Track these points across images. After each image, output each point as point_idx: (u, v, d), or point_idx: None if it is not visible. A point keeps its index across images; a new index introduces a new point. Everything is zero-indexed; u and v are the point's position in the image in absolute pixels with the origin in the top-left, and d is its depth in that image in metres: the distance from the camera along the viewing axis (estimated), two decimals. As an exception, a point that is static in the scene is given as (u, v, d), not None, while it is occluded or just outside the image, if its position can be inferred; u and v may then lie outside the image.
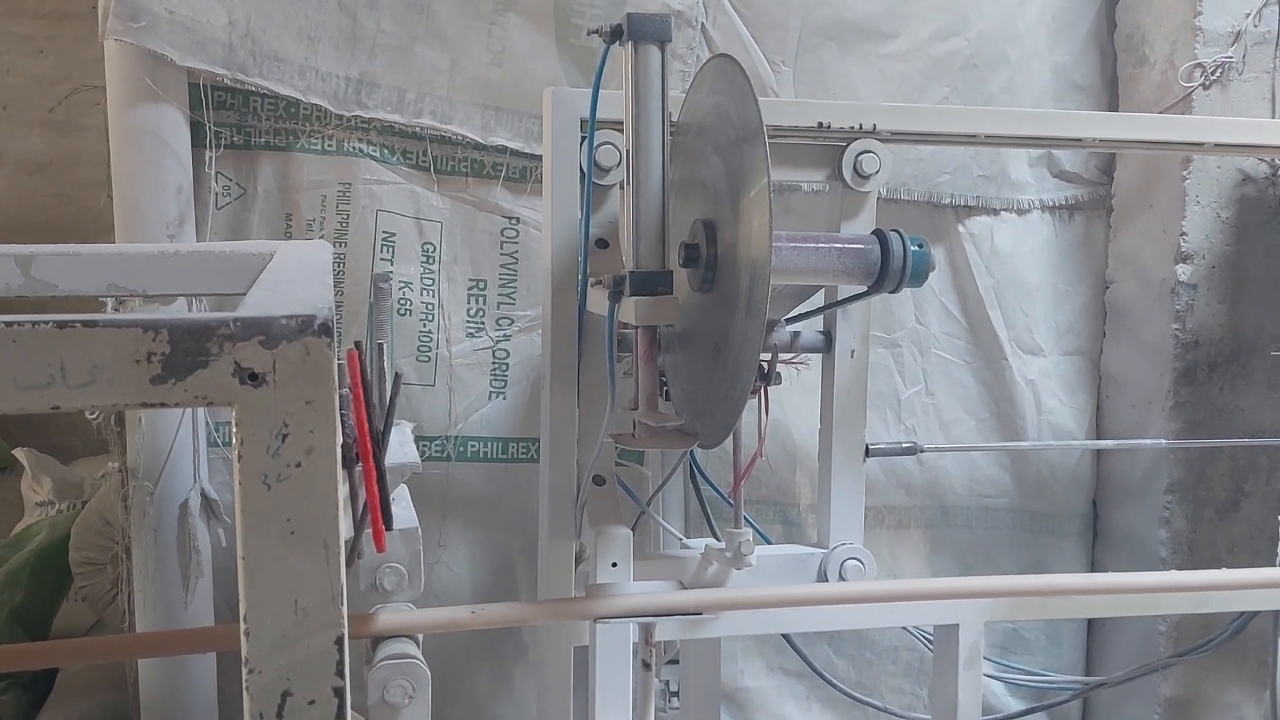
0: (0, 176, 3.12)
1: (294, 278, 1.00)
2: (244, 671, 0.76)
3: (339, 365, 1.00)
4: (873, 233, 1.42)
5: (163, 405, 0.72)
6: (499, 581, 1.79)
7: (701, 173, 1.29)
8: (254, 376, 0.74)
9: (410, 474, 1.11)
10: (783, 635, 1.83)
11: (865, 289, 1.41)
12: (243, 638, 0.75)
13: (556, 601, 1.38)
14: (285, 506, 0.75)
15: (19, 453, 2.57)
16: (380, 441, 1.03)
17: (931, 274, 1.95)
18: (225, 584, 1.66)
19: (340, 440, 0.87)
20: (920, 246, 1.39)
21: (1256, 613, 1.77)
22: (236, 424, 0.74)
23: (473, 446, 1.76)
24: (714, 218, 1.24)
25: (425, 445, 1.73)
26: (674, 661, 1.71)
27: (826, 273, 1.41)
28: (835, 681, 1.86)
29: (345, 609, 0.78)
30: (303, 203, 1.71)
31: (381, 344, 1.09)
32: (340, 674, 0.77)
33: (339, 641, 0.77)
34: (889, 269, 1.38)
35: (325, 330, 0.75)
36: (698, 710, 1.64)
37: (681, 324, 1.31)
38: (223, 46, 1.61)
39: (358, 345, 1.01)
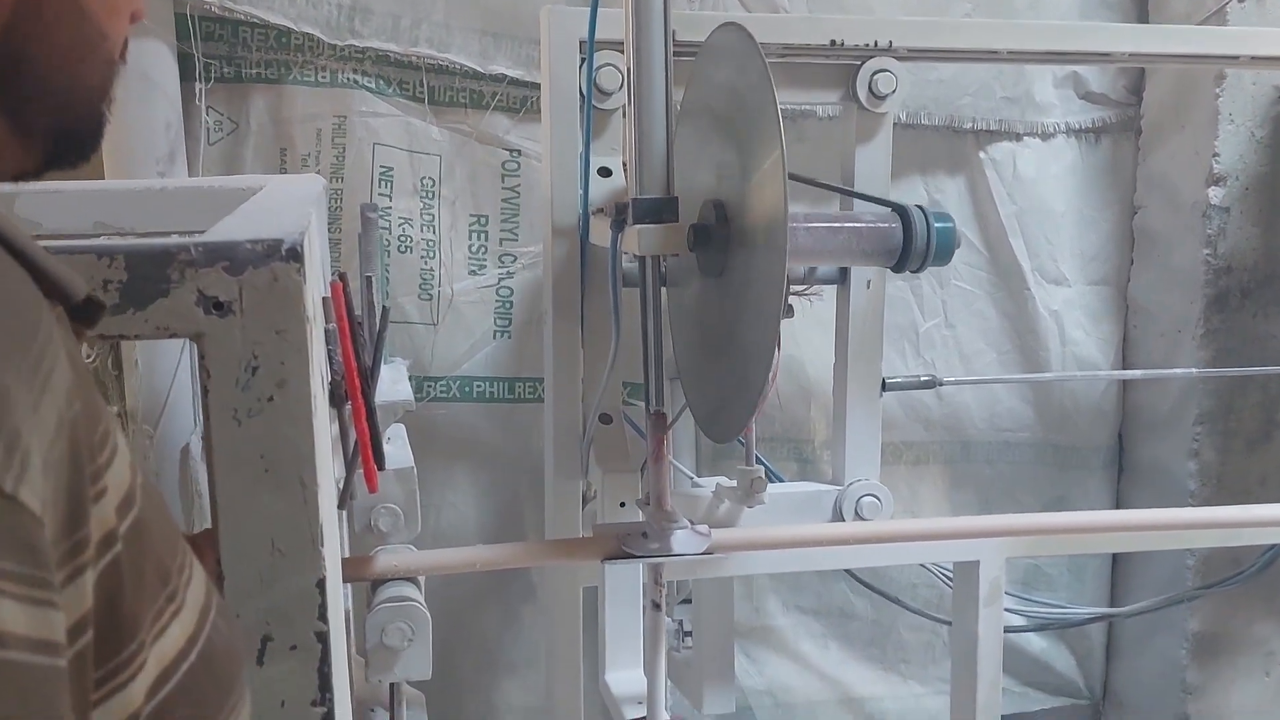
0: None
1: (275, 208, 0.96)
2: (221, 616, 0.72)
3: (324, 299, 0.96)
4: (894, 210, 1.35)
5: (122, 337, 0.68)
6: (506, 522, 1.76)
7: (711, 152, 1.22)
8: (219, 305, 0.69)
9: (403, 411, 1.06)
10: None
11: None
12: (218, 581, 0.72)
13: (563, 542, 1.35)
14: (257, 443, 0.71)
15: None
16: (369, 378, 0.99)
17: (951, 207, 1.90)
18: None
19: (321, 374, 0.82)
20: (945, 222, 1.32)
21: (1288, 546, 1.72)
22: (202, 356, 0.69)
23: (478, 386, 1.72)
24: (725, 199, 1.17)
25: (430, 385, 1.70)
26: (687, 601, 1.67)
27: (845, 254, 1.35)
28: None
29: (327, 550, 0.74)
30: (297, 137, 1.66)
31: (370, 276, 1.04)
32: (323, 618, 0.73)
33: (320, 584, 0.73)
34: (912, 249, 1.32)
35: (294, 255, 0.70)
36: (711, 650, 1.61)
37: (692, 311, 1.26)
38: (209, -27, 1.55)
39: (342, 277, 0.96)
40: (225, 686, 0.49)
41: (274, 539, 0.72)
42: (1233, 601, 1.82)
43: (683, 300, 1.31)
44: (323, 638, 0.73)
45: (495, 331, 1.72)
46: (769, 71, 1.07)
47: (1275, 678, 1.85)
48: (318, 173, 1.65)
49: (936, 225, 1.32)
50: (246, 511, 0.72)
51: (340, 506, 1.00)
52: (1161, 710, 1.88)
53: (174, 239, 0.69)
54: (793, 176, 1.06)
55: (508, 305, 1.72)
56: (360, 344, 0.98)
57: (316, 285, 0.80)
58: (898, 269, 1.35)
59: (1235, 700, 1.86)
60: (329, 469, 0.83)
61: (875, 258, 1.34)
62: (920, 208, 1.33)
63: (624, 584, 1.39)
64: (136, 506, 0.45)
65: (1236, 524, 1.43)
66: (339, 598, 0.85)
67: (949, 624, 1.47)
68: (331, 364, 0.96)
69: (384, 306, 0.99)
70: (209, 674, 0.47)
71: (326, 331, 0.94)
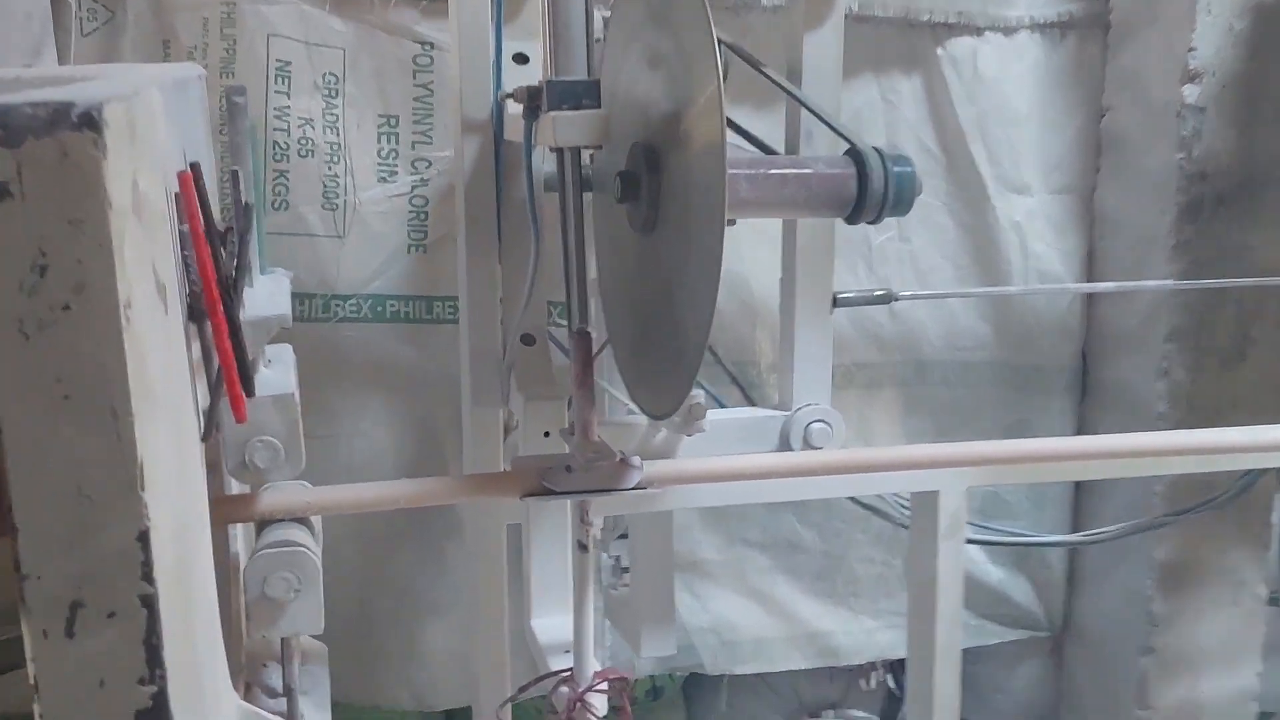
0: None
1: (103, 81, 0.79)
2: (18, 579, 0.58)
3: (175, 195, 0.80)
4: (847, 152, 1.18)
5: None
6: (425, 452, 1.61)
7: (639, 91, 1.05)
8: (-10, 186, 0.54)
9: (279, 329, 0.91)
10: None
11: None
12: (12, 536, 0.57)
13: (477, 477, 1.21)
14: (52, 363, 0.56)
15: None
16: (232, 289, 0.84)
17: (907, 109, 1.76)
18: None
19: (164, 280, 0.67)
20: (904, 166, 1.16)
21: (1264, 472, 1.63)
22: (-33, 251, 0.54)
23: (391, 306, 1.57)
24: (655, 142, 1.00)
25: (338, 304, 1.54)
26: (624, 536, 1.56)
27: (792, 206, 1.19)
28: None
29: (152, 494, 0.60)
30: (180, 27, 1.47)
31: (236, 170, 0.88)
32: (148, 578, 0.59)
33: (144, 537, 0.59)
34: (868, 198, 1.14)
35: (89, 123, 0.55)
36: (650, 587, 1.49)
37: (622, 269, 1.11)
38: None
39: (194, 167, 0.80)
40: None
41: (80, 484, 0.58)
42: (1202, 529, 1.73)
43: (611, 258, 1.15)
44: (149, 602, 0.59)
45: (410, 245, 1.56)
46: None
47: (1244, 607, 1.77)
48: (205, 67, 1.47)
49: (895, 170, 1.15)
50: (42, 450, 0.57)
51: (204, 439, 0.85)
52: (1126, 643, 1.80)
53: (-73, 101, 0.53)
54: (732, 49, 0.91)
55: (422, 216, 1.56)
56: (218, 248, 0.82)
57: (142, 167, 0.64)
58: (851, 221, 1.18)
59: (1203, 632, 1.78)
60: (167, 394, 0.68)
61: (826, 209, 1.18)
62: (877, 150, 1.17)
63: (551, 522, 1.27)
64: None
65: (1210, 449, 1.33)
66: (191, 549, 0.71)
67: (906, 527, 1.36)
68: (188, 271, 0.81)
69: (247, 202, 0.83)
70: None
71: (182, 234, 0.79)
